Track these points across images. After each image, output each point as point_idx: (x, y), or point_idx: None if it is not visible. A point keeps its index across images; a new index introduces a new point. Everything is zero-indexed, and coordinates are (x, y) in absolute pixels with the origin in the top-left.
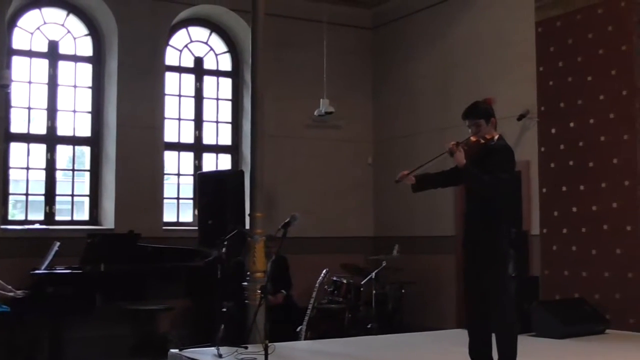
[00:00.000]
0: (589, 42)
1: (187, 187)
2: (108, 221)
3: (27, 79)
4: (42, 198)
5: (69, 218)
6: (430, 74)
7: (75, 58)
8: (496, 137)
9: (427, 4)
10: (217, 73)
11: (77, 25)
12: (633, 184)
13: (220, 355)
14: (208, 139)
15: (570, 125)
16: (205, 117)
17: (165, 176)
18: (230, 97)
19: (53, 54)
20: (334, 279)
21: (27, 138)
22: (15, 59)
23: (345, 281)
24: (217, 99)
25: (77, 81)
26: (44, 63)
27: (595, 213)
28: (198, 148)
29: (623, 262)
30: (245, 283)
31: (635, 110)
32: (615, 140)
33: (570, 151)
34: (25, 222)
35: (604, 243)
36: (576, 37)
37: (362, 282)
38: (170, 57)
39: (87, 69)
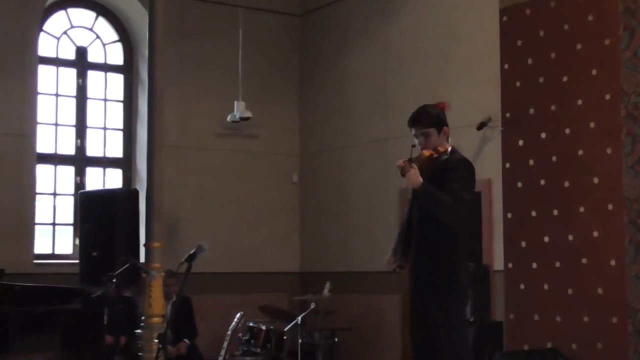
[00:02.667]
0: (564, 34)
1: (66, 210)
2: None
3: None
4: None
5: None
6: (369, 73)
7: None
8: (449, 149)
9: None
10: (105, 67)
11: None
12: (617, 209)
13: None
14: (93, 149)
15: (541, 136)
16: (89, 122)
17: (38, 196)
18: (121, 97)
19: None
20: (250, 324)
21: None
22: None
23: (264, 327)
24: (105, 100)
25: None
26: None
27: (572, 244)
28: (80, 161)
29: (606, 303)
30: (139, 330)
31: (620, 118)
32: (597, 155)
33: (542, 168)
34: None
35: (582, 281)
36: (549, 29)
37: (286, 329)
38: (45, 47)
39: None
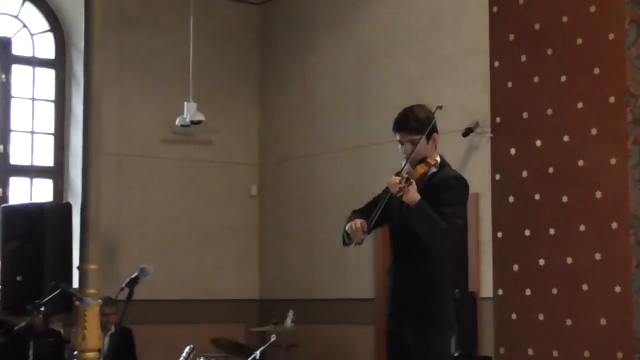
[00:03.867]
0: (563, 28)
1: None
2: None
3: None
4: None
5: None
6: (338, 72)
7: None
8: (438, 160)
9: None
10: (34, 61)
11: None
12: (623, 228)
13: None
14: (18, 157)
15: (536, 145)
16: (14, 125)
17: None
18: (52, 96)
19: None
20: None
21: None
22: None
23: None
24: (33, 99)
25: None
26: None
27: (572, 268)
28: (3, 170)
29: (610, 336)
30: None
31: (625, 124)
32: (600, 166)
33: (537, 181)
34: None
35: (583, 310)
36: (546, 21)
37: None
38: None
39: None
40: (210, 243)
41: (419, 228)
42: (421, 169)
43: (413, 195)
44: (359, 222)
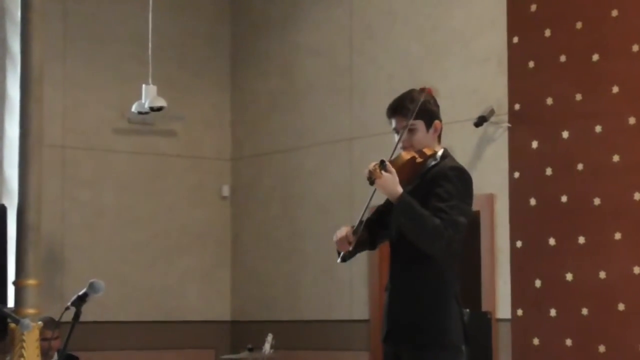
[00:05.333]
0: None
1: None
2: None
3: None
4: None
5: None
6: (325, 50)
7: None
8: (440, 152)
9: None
10: None
11: None
12: None
13: None
14: None
15: (562, 136)
16: None
17: None
18: None
19: None
20: None
21: None
22: None
23: None
24: None
25: None
26: None
27: (604, 283)
28: None
29: None
30: None
31: None
32: (638, 162)
33: (563, 179)
34: None
35: (618, 334)
36: None
37: None
38: None
39: None
40: (173, 253)
41: (406, 226)
42: (407, 155)
43: (387, 183)
44: (343, 230)
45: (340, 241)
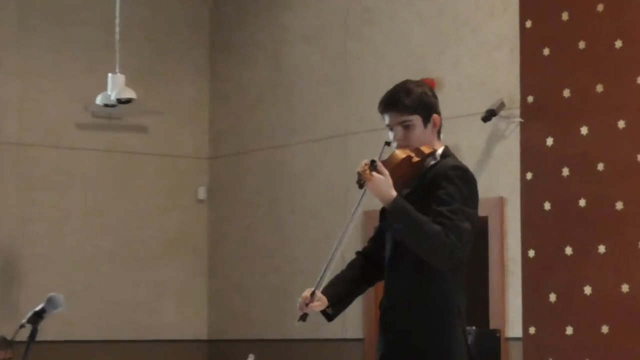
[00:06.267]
0: None
1: None
2: None
3: None
4: None
5: None
6: (317, 35)
7: None
8: (439, 150)
9: None
10: None
11: None
12: None
13: None
14: None
15: (581, 132)
16: None
17: None
18: None
19: None
20: None
21: None
22: None
23: None
24: None
25: None
26: None
27: (628, 298)
28: None
29: None
30: None
31: None
32: None
33: (582, 181)
34: None
35: None
36: None
37: None
38: None
39: None
40: (144, 263)
41: (403, 233)
42: (401, 153)
43: (379, 185)
44: (303, 295)
45: (299, 306)
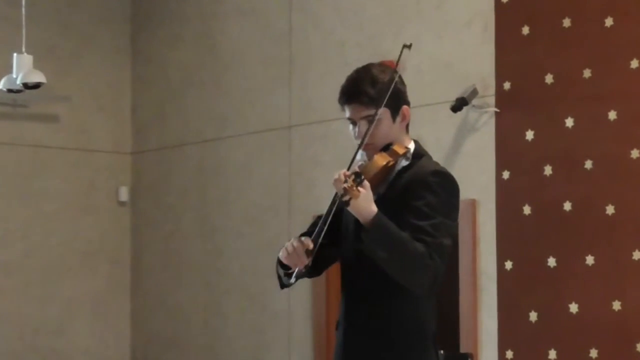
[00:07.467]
0: None
1: None
2: None
3: None
4: None
5: None
6: (257, 9)
7: None
8: (410, 148)
9: None
10: None
11: None
12: None
13: None
14: None
15: (565, 124)
16: None
17: None
18: None
19: None
20: None
21: None
22: None
23: None
24: None
25: None
26: None
27: (619, 316)
28: None
29: None
30: None
31: None
32: None
33: (567, 181)
34: None
35: None
36: None
37: None
38: None
39: None
40: (54, 276)
41: (381, 259)
42: (381, 160)
43: (364, 203)
44: (296, 241)
45: (297, 255)
